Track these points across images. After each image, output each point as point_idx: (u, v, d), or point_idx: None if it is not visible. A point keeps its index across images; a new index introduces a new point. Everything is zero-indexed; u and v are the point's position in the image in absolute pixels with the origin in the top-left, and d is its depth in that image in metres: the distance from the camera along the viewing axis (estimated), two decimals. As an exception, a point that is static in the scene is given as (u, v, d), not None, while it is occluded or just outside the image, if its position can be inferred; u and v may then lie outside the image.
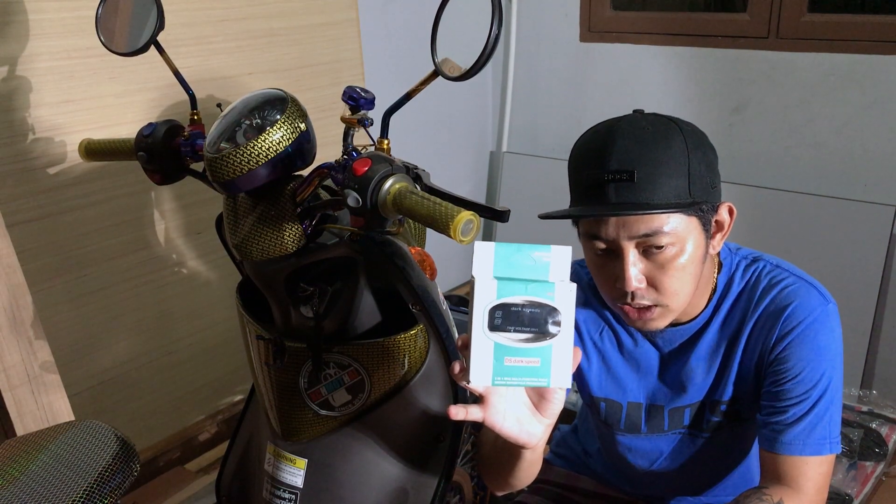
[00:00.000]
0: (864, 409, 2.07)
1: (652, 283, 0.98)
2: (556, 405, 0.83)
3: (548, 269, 0.79)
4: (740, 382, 1.08)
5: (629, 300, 0.99)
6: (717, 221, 1.01)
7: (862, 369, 2.21)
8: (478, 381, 0.76)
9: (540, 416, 0.84)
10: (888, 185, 2.16)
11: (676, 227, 0.95)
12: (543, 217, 1.02)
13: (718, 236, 1.02)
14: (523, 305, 0.77)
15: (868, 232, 2.14)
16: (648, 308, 0.99)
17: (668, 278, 0.97)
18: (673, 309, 1.01)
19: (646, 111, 1.05)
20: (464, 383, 0.78)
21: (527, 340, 0.77)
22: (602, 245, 0.98)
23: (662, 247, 0.95)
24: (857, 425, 1.97)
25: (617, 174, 0.93)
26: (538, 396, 0.83)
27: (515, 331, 0.77)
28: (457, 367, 0.81)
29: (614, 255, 0.98)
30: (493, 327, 0.76)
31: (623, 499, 1.30)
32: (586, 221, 0.99)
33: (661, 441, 1.17)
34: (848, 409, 2.06)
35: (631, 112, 1.03)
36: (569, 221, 1.05)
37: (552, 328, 0.77)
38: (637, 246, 0.96)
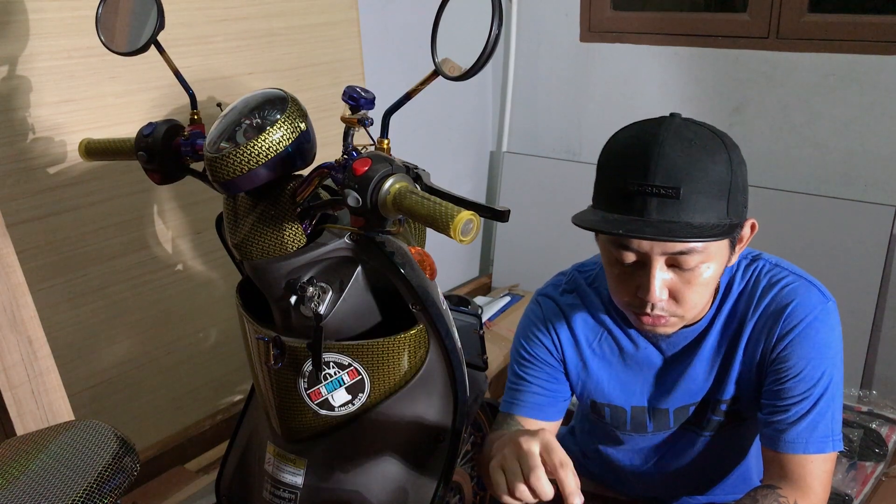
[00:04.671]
0: (864, 409, 2.07)
1: (673, 296, 0.97)
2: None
3: None
4: (741, 381, 1.08)
5: (648, 310, 0.98)
6: (740, 237, 1.01)
7: (862, 369, 2.21)
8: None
9: None
10: (888, 185, 2.16)
11: (709, 247, 0.94)
12: (576, 223, 0.98)
13: (737, 249, 1.02)
14: None
15: (868, 232, 2.14)
16: (662, 316, 0.99)
17: (691, 292, 0.97)
18: (687, 318, 1.01)
19: (648, 111, 1.03)
20: None
21: None
22: (631, 255, 0.96)
23: (692, 262, 0.94)
24: (857, 425, 1.97)
25: (662, 189, 0.90)
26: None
27: None
28: None
29: (640, 264, 0.97)
30: None
31: (621, 500, 1.30)
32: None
33: (666, 438, 1.17)
34: (848, 409, 2.06)
35: (665, 115, 0.99)
36: (574, 226, 1.03)
37: None
38: (666, 260, 0.95)
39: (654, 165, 0.91)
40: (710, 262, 0.96)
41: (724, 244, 0.97)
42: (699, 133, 0.95)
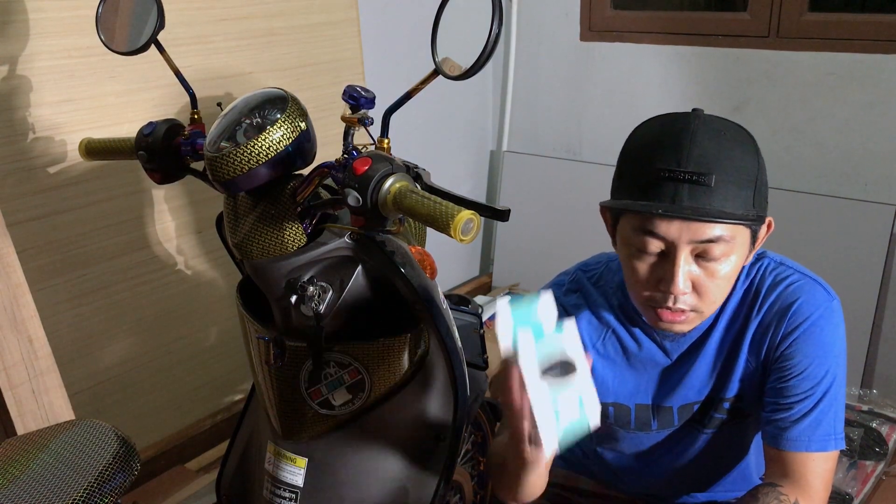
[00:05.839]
0: (865, 408, 2.07)
1: (696, 289, 0.97)
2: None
3: (543, 319, 0.87)
4: (745, 379, 1.08)
5: (670, 303, 0.97)
6: (759, 234, 1.01)
7: (862, 369, 2.21)
8: (551, 449, 0.82)
9: None
10: (888, 185, 2.16)
11: (735, 238, 0.94)
12: (604, 205, 0.99)
13: (755, 246, 1.02)
14: (551, 361, 0.84)
15: (868, 232, 2.14)
16: (682, 311, 0.99)
17: (713, 286, 0.97)
18: (705, 315, 1.01)
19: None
20: (538, 455, 0.84)
21: (564, 393, 0.83)
22: (657, 244, 0.95)
23: (716, 254, 0.94)
24: (858, 424, 1.97)
25: (695, 175, 0.91)
26: None
27: (553, 387, 0.83)
28: (531, 435, 0.84)
29: (664, 255, 0.96)
30: (542, 393, 0.83)
31: (622, 498, 1.30)
32: (641, 216, 0.95)
33: (668, 436, 1.17)
34: (848, 408, 2.06)
35: (690, 111, 1.00)
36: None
37: (573, 375, 0.83)
38: (692, 251, 0.95)
39: (687, 152, 0.92)
40: (733, 255, 0.96)
41: (746, 238, 0.97)
42: (728, 126, 0.97)
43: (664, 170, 0.92)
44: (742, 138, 0.96)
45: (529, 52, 2.78)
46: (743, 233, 0.96)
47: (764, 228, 1.01)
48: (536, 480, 1.01)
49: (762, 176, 0.95)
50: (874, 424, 1.98)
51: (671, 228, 0.93)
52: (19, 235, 1.57)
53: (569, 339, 0.85)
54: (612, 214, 1.03)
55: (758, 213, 0.95)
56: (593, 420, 0.83)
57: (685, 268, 0.95)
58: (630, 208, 0.95)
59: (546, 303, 0.87)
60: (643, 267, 0.98)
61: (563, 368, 0.83)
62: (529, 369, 0.83)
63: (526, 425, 0.84)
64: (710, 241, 0.93)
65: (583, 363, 0.84)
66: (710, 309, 1.00)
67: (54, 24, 1.60)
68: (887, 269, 2.13)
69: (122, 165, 1.74)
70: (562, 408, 0.82)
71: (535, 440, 0.84)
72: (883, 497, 1.82)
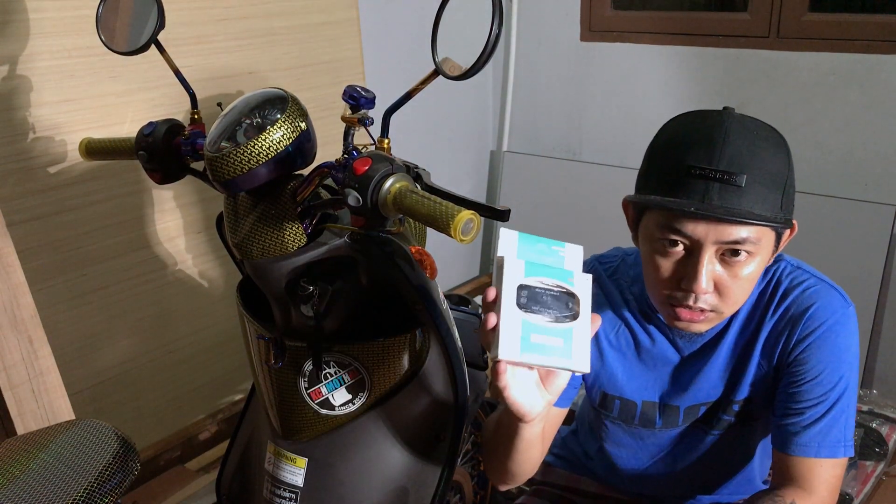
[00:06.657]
0: (865, 408, 2.07)
1: (717, 289, 0.96)
2: (560, 381, 0.85)
3: (563, 261, 0.85)
4: (756, 382, 1.08)
5: (690, 302, 0.97)
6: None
7: (862, 369, 2.21)
8: (506, 354, 0.78)
9: (543, 390, 0.86)
10: (888, 185, 2.16)
11: (761, 240, 0.94)
12: (632, 200, 0.99)
13: (779, 248, 1.01)
14: (546, 289, 0.81)
15: (868, 232, 2.14)
16: (702, 311, 0.98)
17: (736, 286, 0.96)
18: (724, 315, 1.00)
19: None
20: (491, 358, 0.79)
21: (550, 321, 0.80)
22: (682, 241, 0.95)
23: (741, 255, 0.94)
24: (858, 425, 1.97)
25: (726, 175, 0.90)
26: (545, 371, 0.85)
27: (538, 312, 0.80)
28: (490, 322, 0.79)
29: (688, 253, 0.96)
30: (518, 306, 0.80)
31: (624, 500, 1.30)
32: (668, 213, 0.94)
33: (673, 436, 1.16)
34: (848, 408, 2.06)
35: (720, 109, 0.99)
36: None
37: (572, 313, 0.81)
38: (717, 251, 0.94)
39: (720, 151, 0.91)
40: (757, 257, 0.95)
41: (770, 240, 0.96)
42: (761, 126, 0.96)
43: (695, 167, 0.92)
44: (774, 139, 0.95)
45: (529, 52, 2.79)
46: (769, 235, 0.95)
47: (788, 231, 1.00)
48: (528, 452, 1.00)
49: (791, 178, 0.95)
50: (874, 424, 1.98)
51: (698, 228, 0.92)
52: (19, 235, 1.57)
53: (581, 287, 0.82)
54: (635, 209, 1.02)
55: (785, 217, 0.94)
56: (579, 362, 0.78)
57: (709, 267, 0.94)
58: (659, 205, 0.94)
59: (573, 251, 0.85)
60: (666, 264, 0.98)
61: (563, 303, 0.81)
62: (512, 275, 0.81)
63: (491, 318, 0.79)
64: (737, 242, 0.92)
65: (586, 312, 0.81)
66: (730, 310, 0.99)
67: (54, 24, 1.60)
68: (887, 269, 2.13)
69: (122, 165, 1.74)
70: (544, 332, 0.79)
71: (494, 337, 0.79)
72: (883, 497, 1.82)
